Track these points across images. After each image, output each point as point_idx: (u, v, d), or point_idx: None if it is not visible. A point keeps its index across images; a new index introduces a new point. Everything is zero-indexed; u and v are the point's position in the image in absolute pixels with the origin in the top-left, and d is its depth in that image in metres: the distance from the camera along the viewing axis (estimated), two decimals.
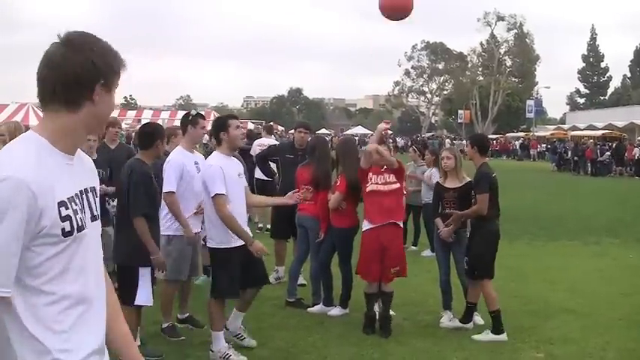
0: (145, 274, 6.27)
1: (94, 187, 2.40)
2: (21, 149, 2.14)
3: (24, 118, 42.09)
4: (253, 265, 6.68)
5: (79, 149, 2.34)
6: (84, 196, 2.28)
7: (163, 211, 7.19)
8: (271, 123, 21.43)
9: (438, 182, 8.47)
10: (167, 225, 7.16)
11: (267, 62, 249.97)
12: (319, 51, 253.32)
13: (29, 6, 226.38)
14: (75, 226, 2.15)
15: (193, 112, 7.73)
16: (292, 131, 11.10)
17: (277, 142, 13.65)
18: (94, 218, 2.33)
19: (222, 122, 6.81)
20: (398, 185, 7.70)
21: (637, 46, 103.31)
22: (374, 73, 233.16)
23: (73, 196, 2.19)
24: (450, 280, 8.27)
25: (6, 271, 2.01)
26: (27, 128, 3.83)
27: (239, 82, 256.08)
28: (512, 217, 15.67)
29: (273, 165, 10.35)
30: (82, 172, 2.33)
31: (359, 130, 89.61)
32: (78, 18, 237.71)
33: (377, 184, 7.62)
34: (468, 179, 8.06)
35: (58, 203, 2.11)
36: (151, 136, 6.65)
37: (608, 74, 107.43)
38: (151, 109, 62.32)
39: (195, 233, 7.33)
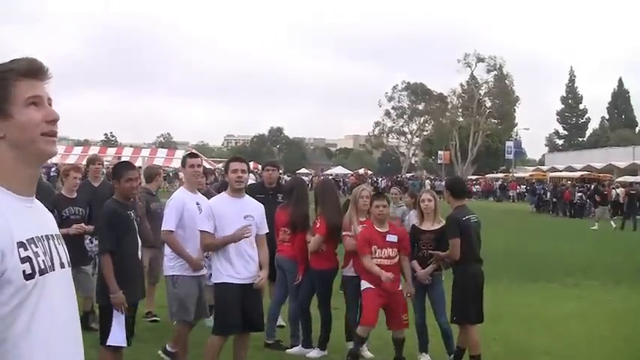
0: (118, 315, 6.21)
1: (58, 234, 2.22)
2: None
3: None
4: (252, 309, 6.73)
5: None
6: (48, 241, 2.12)
7: (166, 252, 7.31)
8: (251, 162, 21.43)
9: (414, 225, 8.50)
10: (170, 265, 7.26)
11: (248, 101, 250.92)
12: (301, 90, 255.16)
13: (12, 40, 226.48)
14: (37, 269, 1.98)
15: (185, 152, 7.89)
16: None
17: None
18: (62, 265, 2.15)
19: (182, 161, 7.30)
20: (398, 258, 7.69)
21: (614, 89, 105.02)
22: (355, 114, 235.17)
23: (33, 238, 2.03)
24: (425, 322, 8.25)
25: None
26: None
27: (220, 121, 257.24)
28: (491, 258, 15.62)
29: None
30: (42, 218, 2.20)
31: (339, 170, 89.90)
32: (60, 53, 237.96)
33: (380, 257, 7.59)
34: (444, 222, 8.10)
35: (17, 244, 1.95)
36: (113, 175, 6.72)
37: (586, 116, 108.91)
38: (131, 146, 62.15)
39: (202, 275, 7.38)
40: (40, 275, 1.99)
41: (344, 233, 8.16)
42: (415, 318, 8.24)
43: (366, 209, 8.11)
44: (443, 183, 39.05)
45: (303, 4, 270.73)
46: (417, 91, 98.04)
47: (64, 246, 2.22)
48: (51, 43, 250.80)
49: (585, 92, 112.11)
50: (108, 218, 6.32)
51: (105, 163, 35.29)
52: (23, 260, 1.94)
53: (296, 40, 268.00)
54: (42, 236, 2.08)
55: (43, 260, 2.02)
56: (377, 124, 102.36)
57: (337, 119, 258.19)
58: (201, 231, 6.70)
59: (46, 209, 2.28)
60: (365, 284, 7.64)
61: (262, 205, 7.13)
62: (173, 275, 7.18)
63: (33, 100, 2.06)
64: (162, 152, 52.85)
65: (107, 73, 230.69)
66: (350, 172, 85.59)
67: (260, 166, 65.10)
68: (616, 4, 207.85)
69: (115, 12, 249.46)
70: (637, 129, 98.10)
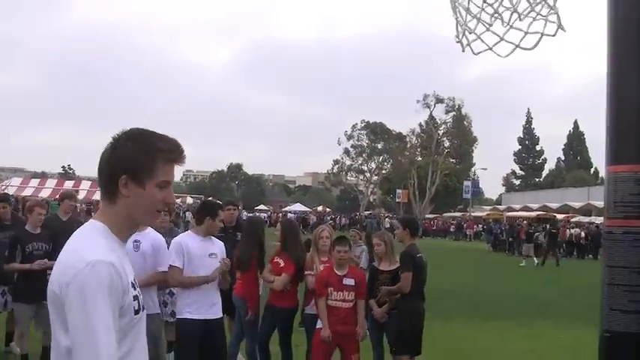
0: None
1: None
2: (95, 236, 2.35)
3: None
4: (213, 347, 6.83)
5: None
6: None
7: None
8: (178, 200, 21.45)
9: (372, 265, 8.70)
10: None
11: (207, 137, 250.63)
12: (260, 127, 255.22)
13: None
14: (140, 306, 2.37)
15: None
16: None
17: None
18: (143, 308, 2.47)
19: None
20: (354, 302, 7.76)
21: (570, 130, 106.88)
22: (314, 151, 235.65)
23: (134, 280, 2.41)
24: (383, 357, 8.46)
25: (114, 346, 2.18)
26: None
27: None
28: (447, 296, 15.89)
29: None
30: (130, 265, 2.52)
31: (298, 207, 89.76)
32: (19, 83, 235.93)
33: (336, 300, 7.67)
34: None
35: (131, 283, 2.34)
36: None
37: (543, 157, 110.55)
38: (89, 179, 61.62)
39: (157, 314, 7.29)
40: (141, 312, 2.39)
41: (306, 272, 8.28)
42: (373, 355, 8.39)
43: (326, 249, 8.26)
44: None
45: (262, 41, 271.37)
46: (376, 130, 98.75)
47: None
48: (11, 71, 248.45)
49: (542, 133, 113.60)
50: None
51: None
52: (134, 298, 2.34)
53: (256, 77, 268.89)
54: (135, 279, 2.45)
55: (142, 298, 2.42)
56: (336, 162, 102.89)
57: (296, 156, 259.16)
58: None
59: None
60: (320, 323, 7.75)
61: (222, 244, 7.28)
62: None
63: (163, 184, 2.43)
64: None
65: (66, 104, 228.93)
66: (309, 209, 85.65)
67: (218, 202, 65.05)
68: (572, 49, 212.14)
69: (75, 47, 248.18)
70: (592, 170, 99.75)
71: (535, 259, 33.72)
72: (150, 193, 2.40)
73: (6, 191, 49.68)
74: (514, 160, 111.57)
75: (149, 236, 7.11)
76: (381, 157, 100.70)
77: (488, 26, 3.47)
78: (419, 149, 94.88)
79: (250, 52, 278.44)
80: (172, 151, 2.43)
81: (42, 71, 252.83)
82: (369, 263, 10.31)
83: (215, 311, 6.87)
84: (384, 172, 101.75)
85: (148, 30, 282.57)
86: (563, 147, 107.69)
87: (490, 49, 3.52)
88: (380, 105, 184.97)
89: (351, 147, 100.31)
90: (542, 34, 3.36)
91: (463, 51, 3.60)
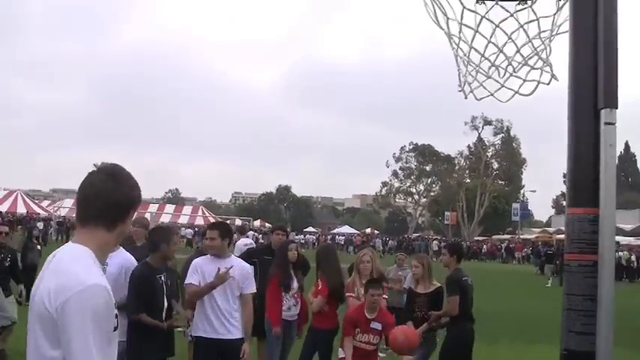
0: None
1: None
2: (88, 260, 2.63)
3: (11, 205, 42.31)
4: None
5: None
6: None
7: None
8: (246, 224, 21.69)
9: (410, 287, 8.96)
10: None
11: (257, 159, 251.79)
12: (309, 149, 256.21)
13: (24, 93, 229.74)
14: (117, 325, 2.64)
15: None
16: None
17: (251, 242, 13.64)
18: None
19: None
20: (377, 344, 8.02)
21: (621, 152, 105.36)
22: (362, 173, 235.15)
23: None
24: None
25: None
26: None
27: (228, 178, 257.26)
28: (493, 319, 15.97)
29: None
30: None
31: (346, 229, 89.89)
32: (71, 106, 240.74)
33: (361, 342, 7.91)
34: (438, 284, 8.66)
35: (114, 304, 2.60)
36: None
37: None
38: None
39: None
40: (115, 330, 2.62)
41: (347, 294, 8.57)
42: None
43: (367, 273, 8.54)
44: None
45: (309, 62, 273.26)
46: (425, 152, 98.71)
47: None
48: (63, 93, 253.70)
49: None
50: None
51: None
52: (116, 315, 2.61)
53: (306, 99, 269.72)
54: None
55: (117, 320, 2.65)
56: (384, 184, 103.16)
57: (344, 178, 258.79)
58: (187, 284, 7.03)
59: None
60: (341, 353, 8.05)
61: (248, 266, 7.47)
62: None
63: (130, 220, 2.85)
64: (170, 208, 53.38)
65: (116, 127, 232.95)
66: (357, 231, 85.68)
67: (267, 224, 64.38)
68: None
69: (128, 72, 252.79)
70: None
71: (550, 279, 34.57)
72: (125, 228, 2.82)
73: (59, 212, 50.69)
74: (563, 181, 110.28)
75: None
76: (430, 180, 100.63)
77: (488, 76, 3.84)
78: (467, 171, 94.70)
79: (298, 72, 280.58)
80: (140, 199, 2.90)
81: (91, 90, 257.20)
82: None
83: (230, 331, 6.99)
84: (432, 194, 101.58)
85: (193, 52, 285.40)
86: None
87: (492, 94, 3.89)
88: (428, 127, 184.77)
89: (400, 169, 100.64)
90: (539, 82, 3.74)
91: (466, 98, 3.95)
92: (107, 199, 2.70)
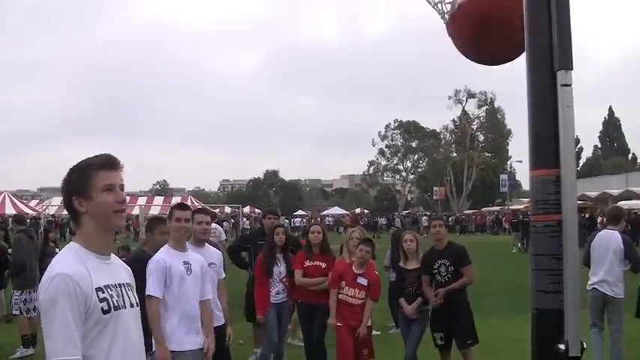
0: None
1: (129, 282, 3.07)
2: (66, 255, 2.88)
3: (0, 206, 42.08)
4: None
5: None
6: (121, 288, 2.95)
7: None
8: (216, 210, 21.45)
9: (400, 265, 9.03)
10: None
11: (243, 145, 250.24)
12: (294, 133, 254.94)
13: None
14: (112, 306, 2.82)
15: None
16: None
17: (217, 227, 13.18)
18: (132, 305, 2.98)
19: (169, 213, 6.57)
20: (364, 299, 8.19)
21: (605, 117, 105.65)
22: (349, 153, 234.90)
23: (109, 285, 2.86)
24: (416, 353, 8.65)
25: (74, 342, 2.66)
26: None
27: (215, 166, 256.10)
28: (487, 291, 15.92)
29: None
30: (117, 270, 3.04)
31: (336, 210, 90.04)
32: (59, 105, 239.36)
33: (346, 295, 8.16)
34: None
35: (96, 289, 2.78)
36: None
37: (579, 145, 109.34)
38: (127, 194, 62.45)
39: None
40: (114, 311, 2.83)
41: None
42: (406, 349, 8.71)
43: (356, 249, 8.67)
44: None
45: (288, 43, 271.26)
46: (410, 129, 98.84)
47: (134, 291, 3.08)
48: (50, 92, 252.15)
49: (577, 122, 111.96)
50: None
51: None
52: (101, 300, 2.79)
53: (284, 81, 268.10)
54: (116, 284, 2.93)
55: (117, 300, 2.87)
56: (371, 163, 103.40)
57: (331, 160, 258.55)
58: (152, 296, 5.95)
59: (125, 265, 3.20)
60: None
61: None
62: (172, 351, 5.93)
63: (108, 187, 2.89)
64: (158, 200, 53.16)
65: (102, 121, 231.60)
66: (347, 212, 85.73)
67: (256, 210, 64.38)
68: (601, 34, 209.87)
69: (113, 67, 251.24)
70: (629, 156, 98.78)
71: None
72: (100, 199, 2.88)
73: (48, 211, 50.58)
74: None
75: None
76: (416, 156, 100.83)
77: None
78: (453, 145, 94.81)
79: (277, 55, 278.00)
80: (103, 160, 2.94)
81: (70, 89, 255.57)
82: (391, 262, 10.68)
83: (217, 318, 6.79)
84: (420, 170, 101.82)
85: (172, 39, 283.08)
86: (599, 134, 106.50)
87: None
88: (411, 103, 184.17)
89: (386, 147, 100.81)
90: None
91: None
92: (63, 200, 2.98)
